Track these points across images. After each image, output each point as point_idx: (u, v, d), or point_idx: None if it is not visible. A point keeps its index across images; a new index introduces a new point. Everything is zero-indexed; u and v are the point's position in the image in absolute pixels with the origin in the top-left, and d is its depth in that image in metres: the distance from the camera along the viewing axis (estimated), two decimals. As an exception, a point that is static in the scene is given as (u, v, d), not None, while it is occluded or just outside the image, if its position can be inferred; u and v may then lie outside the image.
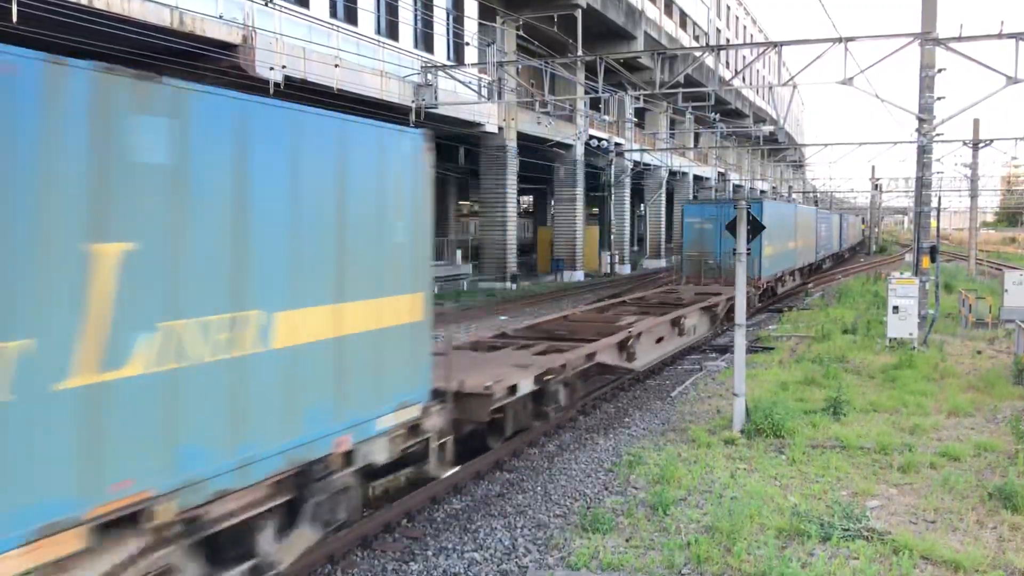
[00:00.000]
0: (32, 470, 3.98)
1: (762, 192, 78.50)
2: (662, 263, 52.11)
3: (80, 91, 4.13)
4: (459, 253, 36.89)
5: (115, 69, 4.31)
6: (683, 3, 54.22)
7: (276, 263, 5.41)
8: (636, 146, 47.67)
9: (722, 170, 67.41)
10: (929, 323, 18.42)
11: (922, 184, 20.63)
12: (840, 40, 20.21)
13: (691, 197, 56.33)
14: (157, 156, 4.53)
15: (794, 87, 25.64)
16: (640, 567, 6.66)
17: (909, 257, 25.85)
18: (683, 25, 54.81)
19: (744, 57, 62.37)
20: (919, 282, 18.23)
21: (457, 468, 8.56)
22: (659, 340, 14.75)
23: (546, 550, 7.11)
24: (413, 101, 24.29)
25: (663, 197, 54.24)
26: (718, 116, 44.31)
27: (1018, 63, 18.85)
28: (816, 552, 6.89)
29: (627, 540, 7.24)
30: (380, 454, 6.77)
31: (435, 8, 26.08)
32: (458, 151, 36.29)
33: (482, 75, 28.54)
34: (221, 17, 17.34)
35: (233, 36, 17.64)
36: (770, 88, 36.12)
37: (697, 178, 61.17)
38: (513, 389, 9.16)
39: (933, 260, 19.55)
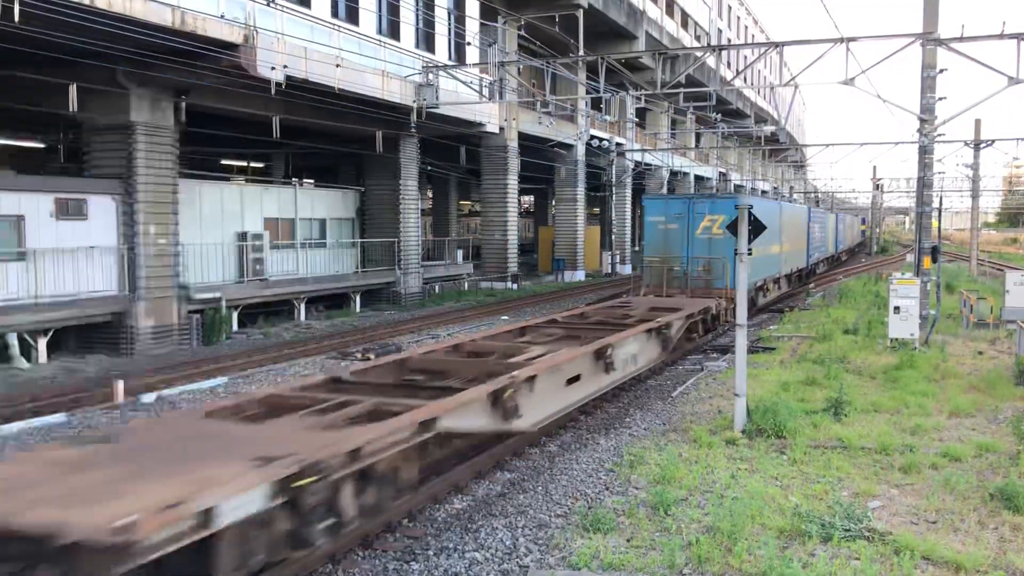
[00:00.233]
0: None
1: (763, 192, 78.42)
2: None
3: None
4: (460, 253, 36.91)
5: None
6: (685, 3, 54.18)
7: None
8: (637, 146, 47.64)
9: (723, 170, 67.40)
10: (930, 323, 18.42)
11: (923, 184, 20.62)
12: (842, 40, 20.20)
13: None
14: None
15: (795, 87, 25.64)
16: (641, 567, 6.66)
17: (910, 257, 25.83)
18: (684, 25, 54.78)
19: (745, 57, 62.33)
20: (920, 282, 18.22)
21: None
22: (573, 381, 10.62)
23: (547, 550, 7.12)
24: (414, 101, 24.29)
25: (664, 197, 54.08)
26: (719, 116, 44.24)
27: (1020, 63, 18.82)
28: (817, 552, 6.89)
29: (628, 540, 7.24)
30: None
31: (436, 8, 26.07)
32: (459, 151, 36.29)
33: (483, 75, 28.53)
34: (223, 17, 17.33)
35: (234, 35, 17.62)
36: (771, 88, 36.07)
37: (698, 178, 61.13)
38: (205, 517, 5.00)
39: (934, 260, 19.55)
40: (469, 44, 28.41)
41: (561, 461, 9.82)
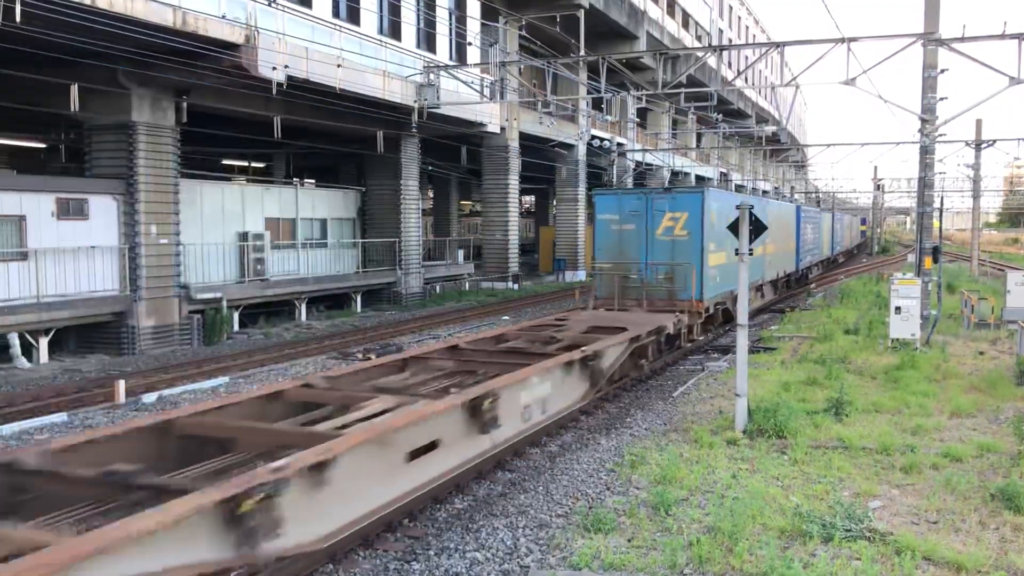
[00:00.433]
0: None
1: (764, 192, 78.39)
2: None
3: None
4: (461, 253, 36.93)
5: None
6: (686, 3, 54.16)
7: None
8: (638, 146, 47.59)
9: (724, 170, 67.39)
10: (931, 324, 18.41)
11: (924, 184, 20.61)
12: (843, 40, 20.18)
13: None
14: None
15: (796, 87, 25.62)
16: (642, 567, 6.66)
17: (911, 257, 25.80)
18: (685, 25, 54.77)
19: (747, 57, 62.31)
20: (921, 283, 18.21)
21: None
22: (421, 452, 7.30)
23: (548, 550, 7.12)
24: (415, 101, 24.29)
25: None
26: (720, 116, 44.21)
27: (1021, 64, 18.80)
28: (818, 552, 6.88)
29: (629, 540, 7.24)
30: None
31: (437, 8, 26.08)
32: (460, 151, 36.31)
33: (484, 75, 28.53)
34: (224, 17, 17.34)
35: (236, 36, 17.62)
36: (772, 88, 36.04)
37: (699, 178, 61.12)
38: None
39: (935, 260, 19.54)
40: (470, 44, 28.41)
41: (562, 461, 9.82)
